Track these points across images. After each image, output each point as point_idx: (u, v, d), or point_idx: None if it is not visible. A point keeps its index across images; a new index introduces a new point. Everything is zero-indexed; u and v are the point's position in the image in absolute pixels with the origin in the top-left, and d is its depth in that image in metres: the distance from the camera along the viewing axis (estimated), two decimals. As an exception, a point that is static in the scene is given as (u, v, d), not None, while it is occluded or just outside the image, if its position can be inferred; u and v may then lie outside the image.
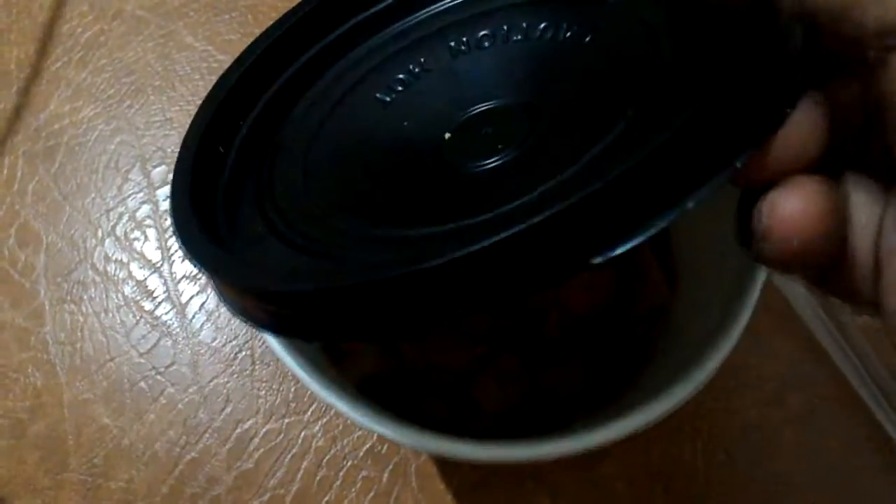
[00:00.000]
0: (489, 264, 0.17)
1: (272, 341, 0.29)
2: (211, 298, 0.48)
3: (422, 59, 0.29)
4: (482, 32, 0.28)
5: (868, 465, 0.43)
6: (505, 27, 0.28)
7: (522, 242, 0.17)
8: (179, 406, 0.45)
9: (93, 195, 0.50)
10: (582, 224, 0.17)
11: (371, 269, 0.18)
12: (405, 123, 0.27)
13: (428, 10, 0.31)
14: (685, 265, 0.37)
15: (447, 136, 0.26)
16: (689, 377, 0.27)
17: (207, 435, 0.45)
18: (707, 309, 0.32)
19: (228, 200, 0.26)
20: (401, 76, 0.29)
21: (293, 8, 0.31)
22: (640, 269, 0.37)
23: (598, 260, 0.17)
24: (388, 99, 0.28)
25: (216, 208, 0.26)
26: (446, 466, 0.43)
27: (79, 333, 0.47)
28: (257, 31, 0.53)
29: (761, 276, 0.29)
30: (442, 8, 0.31)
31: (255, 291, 0.21)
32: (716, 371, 0.28)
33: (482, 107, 0.26)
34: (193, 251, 0.22)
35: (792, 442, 0.44)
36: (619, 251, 0.17)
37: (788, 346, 0.45)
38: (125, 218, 0.50)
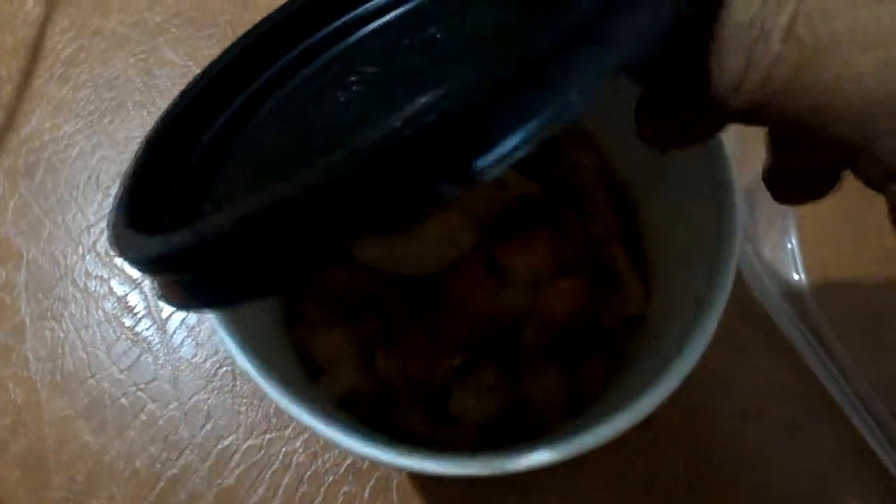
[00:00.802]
0: (343, 194, 0.17)
1: (243, 362, 0.28)
2: (191, 315, 0.47)
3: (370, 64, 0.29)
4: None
5: (851, 476, 0.43)
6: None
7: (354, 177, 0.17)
8: (160, 422, 0.45)
9: (74, 211, 0.50)
10: (426, 152, 0.17)
11: (240, 207, 0.18)
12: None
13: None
14: (657, 273, 0.37)
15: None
16: (659, 384, 0.27)
17: (188, 451, 0.45)
18: (678, 317, 0.32)
19: (175, 206, 0.26)
20: (353, 78, 0.29)
21: (254, 25, 0.32)
22: (618, 277, 0.37)
23: (447, 188, 0.17)
24: (342, 99, 0.28)
25: (160, 212, 0.26)
26: (428, 482, 0.43)
27: (59, 350, 0.47)
28: (238, 46, 0.54)
29: (727, 283, 0.29)
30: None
31: (147, 263, 0.21)
32: (684, 378, 0.28)
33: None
34: (114, 238, 0.23)
35: (775, 453, 0.44)
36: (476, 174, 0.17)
37: (769, 359, 0.45)
38: (106, 234, 0.50)
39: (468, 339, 0.37)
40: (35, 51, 0.55)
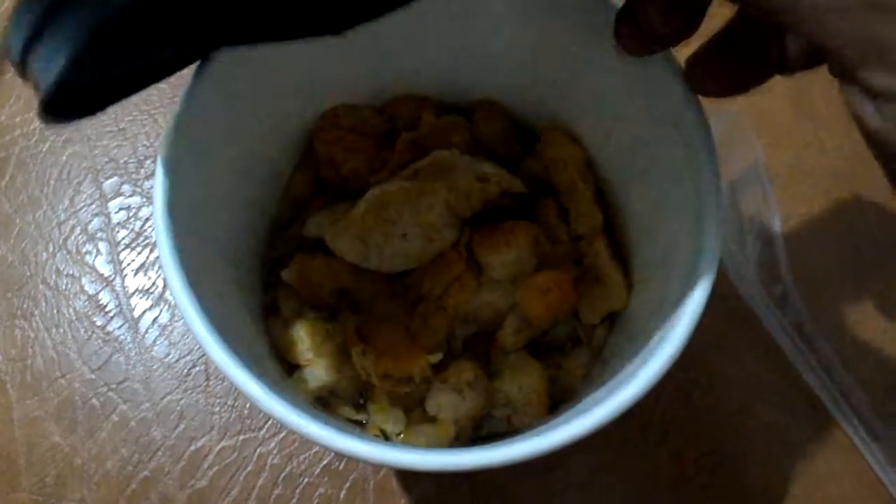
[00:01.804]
0: None
1: (216, 354, 0.28)
2: (164, 313, 0.47)
3: None
4: None
5: (837, 473, 0.43)
6: None
7: None
8: (132, 423, 0.44)
9: (44, 208, 0.49)
10: None
11: None
12: None
13: None
14: (637, 270, 0.37)
15: None
16: (637, 378, 0.27)
17: (160, 453, 0.44)
18: (658, 314, 0.32)
19: None
20: None
21: None
22: (599, 272, 0.37)
23: None
24: None
25: None
26: (405, 482, 0.43)
27: (29, 350, 0.46)
28: (214, 41, 0.53)
29: (708, 277, 0.28)
30: None
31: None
32: (663, 372, 0.27)
33: None
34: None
35: (760, 452, 0.44)
36: None
37: (754, 357, 0.45)
38: (77, 231, 0.49)
39: (447, 335, 0.36)
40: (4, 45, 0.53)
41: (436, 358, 0.35)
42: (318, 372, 0.35)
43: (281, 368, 0.36)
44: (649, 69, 0.31)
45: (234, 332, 0.31)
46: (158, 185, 0.29)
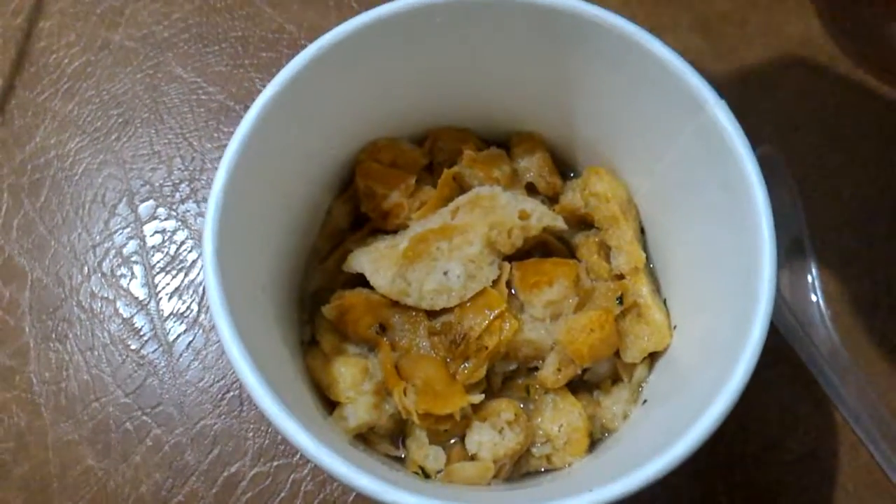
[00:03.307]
0: None
1: (254, 387, 0.28)
2: (198, 337, 0.47)
3: None
4: None
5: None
6: None
7: None
8: (166, 448, 0.44)
9: (79, 230, 0.49)
10: None
11: None
12: None
13: None
14: (680, 312, 0.37)
15: None
16: (690, 432, 0.27)
17: (194, 478, 0.44)
18: (705, 362, 0.32)
19: None
20: None
21: None
22: (642, 311, 0.37)
23: None
24: None
25: None
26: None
27: (64, 373, 0.46)
28: (247, 63, 0.53)
29: (760, 333, 0.28)
30: None
31: None
32: (717, 426, 0.27)
33: None
34: None
35: (794, 485, 0.43)
36: None
37: (787, 389, 0.45)
38: (112, 254, 0.49)
39: (488, 373, 0.36)
40: (40, 65, 0.54)
41: (477, 398, 0.35)
42: (359, 411, 0.35)
43: (321, 405, 0.36)
44: (699, 110, 0.31)
45: (279, 375, 0.31)
46: (208, 232, 0.29)
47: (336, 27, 0.33)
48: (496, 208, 0.37)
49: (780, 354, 0.45)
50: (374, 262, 0.36)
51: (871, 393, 0.44)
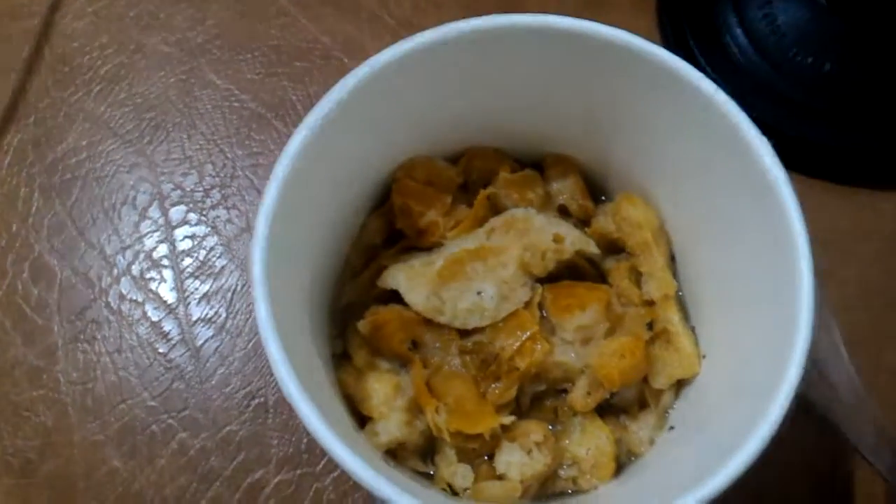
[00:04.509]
0: None
1: (301, 405, 0.28)
2: (226, 343, 0.47)
3: None
4: None
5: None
6: None
7: None
8: (191, 452, 0.45)
9: (109, 232, 0.50)
10: None
11: None
12: None
13: None
14: (711, 341, 0.37)
15: None
16: (721, 471, 0.27)
17: (218, 483, 0.44)
18: (735, 396, 0.32)
19: None
20: None
21: None
22: (671, 338, 0.37)
23: None
24: None
25: None
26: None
27: (91, 373, 0.47)
28: (280, 72, 0.54)
29: (799, 366, 0.29)
30: None
31: None
32: (748, 466, 0.28)
33: None
34: None
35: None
36: None
37: (801, 419, 0.45)
38: (141, 256, 0.49)
39: (517, 394, 0.37)
40: (74, 66, 0.54)
41: (508, 419, 0.36)
42: (390, 427, 0.35)
43: (351, 417, 0.37)
44: (733, 138, 0.32)
45: (318, 391, 0.31)
46: (258, 255, 0.30)
47: (390, 48, 0.33)
48: (530, 231, 0.37)
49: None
50: (410, 279, 0.37)
51: (887, 425, 0.44)
